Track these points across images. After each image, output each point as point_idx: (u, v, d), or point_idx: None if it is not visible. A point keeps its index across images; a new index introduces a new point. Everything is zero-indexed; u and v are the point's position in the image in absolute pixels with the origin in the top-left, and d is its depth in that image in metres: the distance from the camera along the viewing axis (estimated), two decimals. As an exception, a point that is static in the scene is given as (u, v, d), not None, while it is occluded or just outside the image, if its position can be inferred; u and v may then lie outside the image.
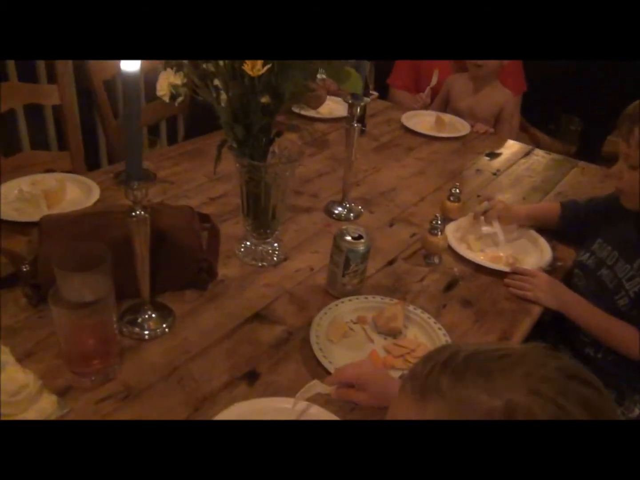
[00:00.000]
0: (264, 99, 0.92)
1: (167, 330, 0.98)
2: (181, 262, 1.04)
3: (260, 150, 1.06)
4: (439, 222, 1.20)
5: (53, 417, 0.78)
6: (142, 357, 0.92)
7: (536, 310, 1.13)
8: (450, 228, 1.31)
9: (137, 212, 0.86)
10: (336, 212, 1.39)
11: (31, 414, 0.75)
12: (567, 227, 1.36)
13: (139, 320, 0.97)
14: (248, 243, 1.19)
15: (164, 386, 0.87)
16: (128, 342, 0.94)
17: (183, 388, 0.87)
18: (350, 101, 1.24)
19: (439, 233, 1.21)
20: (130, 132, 0.79)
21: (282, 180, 1.09)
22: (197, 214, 1.20)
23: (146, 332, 0.96)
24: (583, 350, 1.20)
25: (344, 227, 1.08)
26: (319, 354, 0.93)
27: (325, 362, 0.91)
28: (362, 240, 1.05)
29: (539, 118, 2.59)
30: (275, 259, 1.19)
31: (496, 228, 1.32)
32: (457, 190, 1.37)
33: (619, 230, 1.20)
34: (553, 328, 1.23)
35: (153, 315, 0.98)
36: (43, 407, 0.77)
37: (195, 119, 1.99)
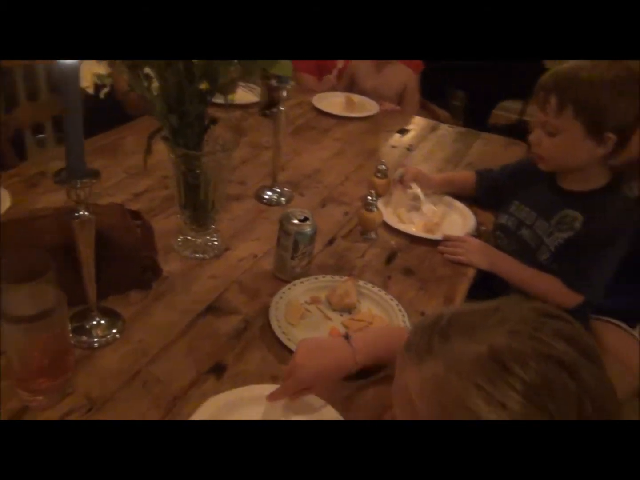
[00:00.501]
0: (202, 85, 0.89)
1: (117, 335, 0.93)
2: (123, 262, 0.98)
3: (195, 139, 1.02)
4: (374, 198, 1.24)
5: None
6: (98, 366, 0.87)
7: (471, 273, 1.21)
8: (379, 203, 1.35)
9: (82, 213, 0.80)
10: (266, 197, 1.39)
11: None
12: (484, 193, 1.46)
13: (87, 327, 0.91)
14: (187, 236, 1.15)
15: (129, 392, 0.83)
16: (78, 352, 0.88)
17: (149, 391, 0.84)
18: (275, 84, 1.23)
19: (374, 209, 1.24)
20: (71, 126, 0.74)
21: (221, 169, 1.07)
22: (128, 211, 1.14)
23: (95, 340, 0.91)
24: (512, 305, 1.30)
25: (288, 210, 1.08)
26: (283, 338, 0.93)
27: (290, 345, 0.92)
28: (309, 222, 1.06)
29: (425, 94, 2.71)
30: (216, 250, 1.16)
31: (415, 189, 1.38)
32: (384, 167, 1.41)
33: (534, 192, 1.31)
34: (484, 287, 1.32)
35: (102, 322, 0.92)
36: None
37: (93, 114, 1.87)
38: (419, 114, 2.19)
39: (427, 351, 0.53)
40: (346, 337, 0.83)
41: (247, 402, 0.81)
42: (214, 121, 1.04)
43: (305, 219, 1.06)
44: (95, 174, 0.79)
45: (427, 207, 1.37)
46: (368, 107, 2.00)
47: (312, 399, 0.81)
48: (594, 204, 1.21)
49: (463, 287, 1.16)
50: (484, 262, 1.23)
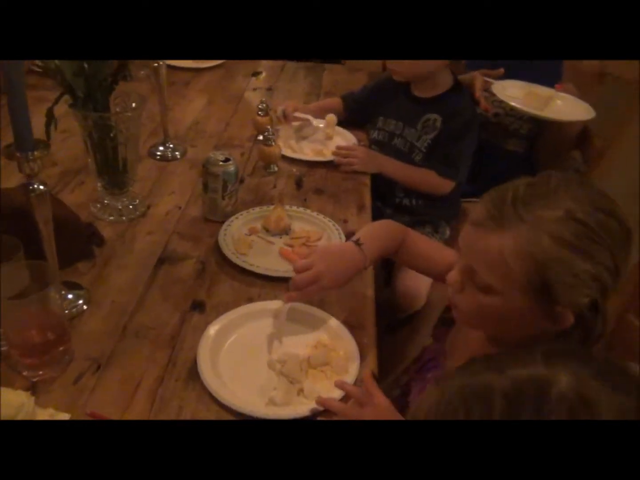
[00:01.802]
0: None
1: (85, 306, 0.94)
2: (69, 234, 0.98)
3: (104, 101, 1.03)
4: (271, 133, 1.34)
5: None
6: (84, 332, 0.89)
7: (367, 179, 1.39)
8: (268, 139, 1.45)
9: (37, 187, 0.80)
10: (160, 154, 1.41)
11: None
12: (351, 114, 1.63)
13: (55, 303, 0.91)
14: (106, 202, 1.16)
15: (127, 344, 0.87)
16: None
17: (146, 338, 0.89)
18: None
19: (273, 143, 1.35)
20: (15, 97, 0.73)
21: (134, 127, 1.09)
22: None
23: (66, 312, 0.91)
24: (401, 203, 1.52)
25: (209, 155, 1.14)
26: (245, 265, 1.02)
27: (255, 269, 1.02)
28: (231, 162, 1.13)
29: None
30: (139, 210, 1.18)
31: (303, 115, 1.52)
32: (265, 105, 1.51)
33: (396, 106, 1.51)
34: (374, 191, 1.49)
35: (69, 296, 0.93)
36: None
37: None
38: (258, 57, 2.28)
39: (512, 217, 0.66)
40: (357, 242, 0.90)
41: (242, 320, 0.91)
42: (116, 81, 1.05)
43: (227, 159, 1.13)
44: (45, 146, 0.79)
45: (317, 121, 1.53)
46: (216, 56, 2.04)
47: (314, 310, 0.93)
48: (447, 105, 1.44)
49: (366, 193, 1.34)
50: (374, 166, 1.42)
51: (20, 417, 0.69)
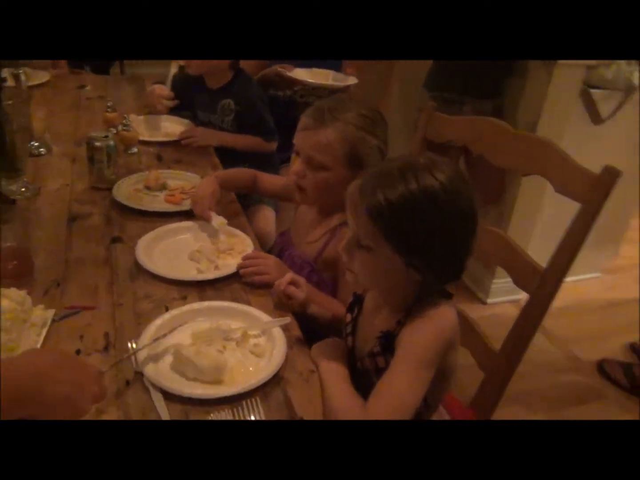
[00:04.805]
0: None
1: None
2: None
3: (-3, 96, 1.25)
4: (128, 120, 1.64)
5: (50, 320, 0.96)
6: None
7: (211, 149, 1.76)
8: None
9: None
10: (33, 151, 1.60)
11: (36, 318, 0.94)
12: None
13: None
14: (7, 187, 1.35)
15: (74, 269, 1.12)
16: None
17: (86, 263, 1.15)
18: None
19: (130, 129, 1.65)
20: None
21: (25, 118, 1.31)
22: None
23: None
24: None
25: (90, 135, 1.41)
26: (144, 208, 1.34)
27: (153, 209, 1.33)
28: (110, 137, 1.42)
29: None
30: (33, 188, 1.40)
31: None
32: (111, 104, 1.78)
33: (201, 99, 1.86)
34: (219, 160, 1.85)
35: (8, 245, 1.14)
36: (39, 314, 0.96)
37: None
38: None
39: (331, 118, 1.09)
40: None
41: (162, 236, 1.23)
42: (4, 80, 1.28)
43: (106, 136, 1.42)
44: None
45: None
46: (39, 75, 2.22)
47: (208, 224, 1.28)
48: (233, 89, 1.83)
49: (215, 158, 1.72)
50: (214, 140, 1.79)
51: (24, 309, 0.93)
